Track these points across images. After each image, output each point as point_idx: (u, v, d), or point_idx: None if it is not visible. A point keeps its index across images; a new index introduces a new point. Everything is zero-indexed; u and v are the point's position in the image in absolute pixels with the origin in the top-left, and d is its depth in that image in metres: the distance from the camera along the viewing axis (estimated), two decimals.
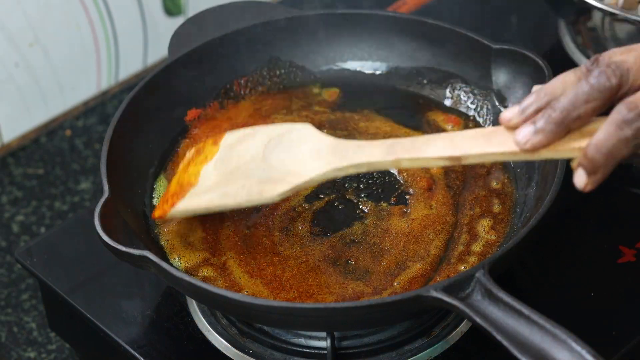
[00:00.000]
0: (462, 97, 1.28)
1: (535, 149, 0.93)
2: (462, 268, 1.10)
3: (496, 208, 1.17)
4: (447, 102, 1.29)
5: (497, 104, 1.25)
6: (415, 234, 1.14)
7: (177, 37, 1.28)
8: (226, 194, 1.07)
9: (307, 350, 1.11)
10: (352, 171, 1.02)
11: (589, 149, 0.91)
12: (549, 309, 0.97)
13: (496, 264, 1.01)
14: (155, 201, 1.19)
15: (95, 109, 1.61)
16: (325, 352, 1.10)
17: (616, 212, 1.26)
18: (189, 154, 1.15)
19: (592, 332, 1.03)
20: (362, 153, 1.01)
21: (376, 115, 1.28)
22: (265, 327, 1.13)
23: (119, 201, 1.10)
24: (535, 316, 0.94)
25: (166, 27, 1.62)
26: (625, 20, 1.32)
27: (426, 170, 1.21)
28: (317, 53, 1.32)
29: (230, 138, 1.11)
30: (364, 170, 1.01)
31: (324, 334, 1.10)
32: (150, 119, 1.22)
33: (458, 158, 0.96)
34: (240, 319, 1.13)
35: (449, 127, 1.26)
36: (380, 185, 1.20)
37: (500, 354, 0.95)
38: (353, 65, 1.33)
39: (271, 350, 1.12)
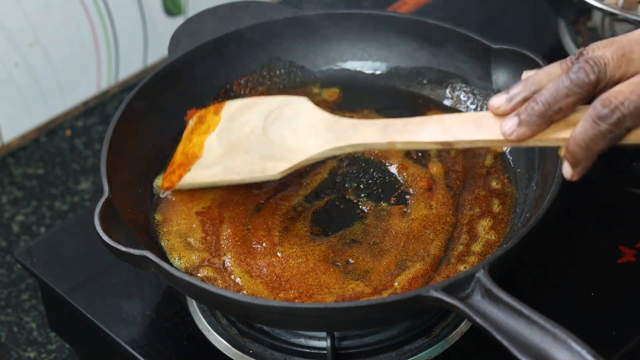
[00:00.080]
0: (462, 97, 1.28)
1: (519, 140, 0.98)
2: (462, 268, 1.10)
3: (496, 208, 1.17)
4: (447, 102, 1.29)
5: None
6: (415, 234, 1.14)
7: (177, 37, 1.28)
8: (230, 170, 1.12)
9: (307, 350, 1.11)
10: (349, 150, 1.07)
11: (569, 142, 0.96)
12: (549, 309, 0.97)
13: (496, 264, 1.01)
14: (155, 201, 1.19)
15: (95, 109, 1.61)
16: (325, 352, 1.10)
17: (616, 212, 1.26)
18: (192, 122, 1.20)
19: (592, 332, 1.03)
20: (359, 133, 1.05)
21: (376, 115, 1.28)
22: (265, 327, 1.13)
23: (119, 201, 1.10)
24: (535, 316, 0.94)
25: (166, 27, 1.62)
26: (625, 20, 1.32)
27: (426, 170, 1.21)
28: (317, 53, 1.32)
29: (231, 108, 1.16)
30: (360, 149, 1.07)
31: (324, 334, 1.10)
32: (150, 119, 1.22)
33: (449, 143, 1.01)
34: (240, 319, 1.13)
35: None
36: (380, 185, 1.20)
37: (500, 354, 0.95)
38: (353, 65, 1.33)
39: (271, 350, 1.12)
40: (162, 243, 1.15)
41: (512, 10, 1.55)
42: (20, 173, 1.52)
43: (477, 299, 0.98)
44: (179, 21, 1.58)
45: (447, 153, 1.23)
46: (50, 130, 1.58)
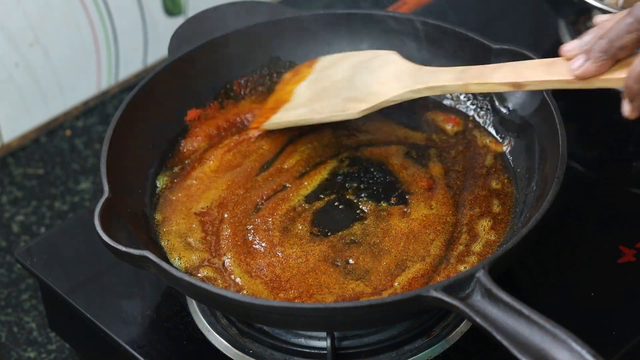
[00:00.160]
0: (461, 97, 1.28)
1: (586, 76, 1.03)
2: (462, 268, 1.10)
3: (496, 208, 1.17)
4: (447, 102, 1.29)
5: (497, 104, 1.25)
6: (415, 234, 1.14)
7: (177, 37, 1.28)
8: (314, 110, 1.18)
9: (307, 350, 1.11)
10: (426, 93, 1.12)
11: (626, 78, 1.01)
12: (549, 309, 0.97)
13: (496, 264, 1.01)
14: (155, 201, 1.19)
15: (95, 109, 1.61)
16: (325, 352, 1.10)
17: (616, 212, 1.26)
18: (287, 75, 1.27)
19: (592, 332, 1.03)
20: (436, 77, 1.12)
21: (376, 115, 1.28)
22: (265, 327, 1.13)
23: (119, 201, 1.10)
24: (535, 316, 0.94)
25: (166, 27, 1.62)
26: None
27: (426, 170, 1.21)
28: (317, 53, 1.32)
29: (324, 62, 1.24)
30: (437, 92, 1.12)
31: (324, 334, 1.10)
32: (150, 119, 1.22)
33: (519, 84, 1.07)
34: (240, 319, 1.13)
35: (448, 126, 1.26)
36: (380, 185, 1.20)
37: (500, 354, 0.95)
38: None
39: (271, 350, 1.12)
40: (162, 243, 1.15)
41: (512, 10, 1.55)
42: (20, 173, 1.52)
43: (477, 299, 0.98)
44: (179, 21, 1.58)
45: (447, 153, 1.23)
46: (50, 130, 1.58)
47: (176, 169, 1.23)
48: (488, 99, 1.26)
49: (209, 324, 1.15)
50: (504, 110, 1.25)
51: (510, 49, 1.22)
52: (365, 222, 1.16)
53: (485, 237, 1.14)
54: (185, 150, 1.25)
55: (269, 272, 1.11)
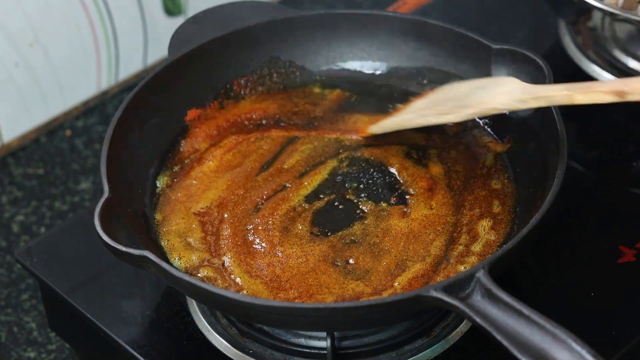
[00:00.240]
0: None
1: None
2: (462, 268, 1.10)
3: (496, 208, 1.17)
4: None
5: None
6: (415, 234, 1.14)
7: (177, 37, 1.28)
8: (421, 114, 1.20)
9: (307, 350, 1.11)
10: (532, 104, 1.12)
11: None
12: (549, 309, 0.97)
13: (496, 264, 1.01)
14: (155, 201, 1.19)
15: (95, 109, 1.61)
16: (325, 352, 1.10)
17: (616, 212, 1.26)
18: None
19: (592, 332, 1.03)
20: (544, 89, 1.12)
21: (376, 115, 1.28)
22: (265, 327, 1.13)
23: (119, 201, 1.10)
24: (535, 316, 0.94)
25: (166, 27, 1.62)
26: (625, 20, 1.32)
27: (426, 170, 1.21)
28: (317, 53, 1.32)
29: (450, 86, 1.23)
30: (542, 103, 1.11)
31: (324, 334, 1.10)
32: (150, 119, 1.22)
33: (623, 93, 1.07)
34: (240, 319, 1.13)
35: (448, 126, 1.26)
36: (380, 185, 1.20)
37: (500, 354, 0.95)
38: (353, 65, 1.33)
39: (271, 350, 1.12)
40: (162, 243, 1.15)
41: (512, 10, 1.55)
42: (20, 173, 1.52)
43: (477, 299, 0.98)
44: (179, 21, 1.58)
45: (447, 153, 1.23)
46: (50, 130, 1.58)
47: (176, 169, 1.23)
48: None
49: (209, 324, 1.15)
50: None
51: (510, 49, 1.22)
52: (365, 222, 1.16)
53: (485, 237, 1.14)
54: (185, 150, 1.25)
55: (269, 272, 1.11)
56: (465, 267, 1.10)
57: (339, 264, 1.12)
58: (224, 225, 1.16)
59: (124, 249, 1.04)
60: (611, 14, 1.31)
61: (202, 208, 1.18)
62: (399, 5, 1.55)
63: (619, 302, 1.16)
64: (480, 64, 1.26)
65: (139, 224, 1.14)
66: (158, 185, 1.21)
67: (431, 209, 1.17)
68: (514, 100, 1.13)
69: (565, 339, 0.92)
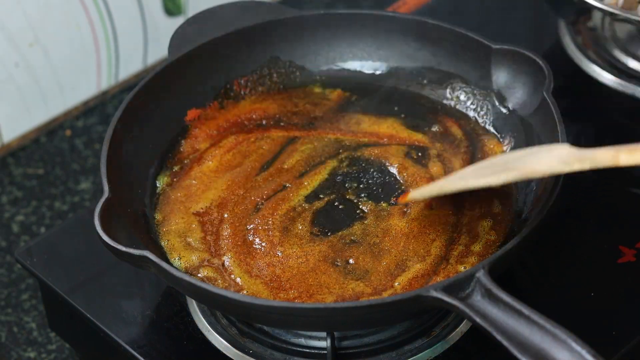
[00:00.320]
0: (462, 97, 1.28)
1: None
2: (462, 268, 1.10)
3: (496, 208, 1.17)
4: (447, 103, 1.29)
5: (497, 104, 1.25)
6: (415, 234, 1.14)
7: (177, 37, 1.28)
8: (461, 178, 1.12)
9: (307, 350, 1.11)
10: (576, 166, 1.04)
11: None
12: (549, 309, 0.97)
13: (496, 264, 1.01)
14: (155, 200, 1.19)
15: (95, 109, 1.61)
16: (325, 352, 1.10)
17: (616, 212, 1.26)
18: None
19: (592, 332, 1.03)
20: (590, 151, 1.04)
21: (376, 116, 1.28)
22: (265, 327, 1.13)
23: (119, 201, 1.10)
24: (535, 316, 0.94)
25: (166, 27, 1.62)
26: (625, 20, 1.32)
27: (426, 170, 1.21)
28: (317, 53, 1.32)
29: (498, 155, 1.17)
30: (587, 165, 1.03)
31: (324, 334, 1.10)
32: (150, 119, 1.22)
33: None
34: (240, 319, 1.13)
35: (449, 127, 1.26)
36: (380, 185, 1.20)
37: (500, 354, 0.95)
38: (353, 65, 1.33)
39: (271, 350, 1.12)
40: (162, 243, 1.15)
41: (512, 10, 1.55)
42: (20, 173, 1.52)
43: (477, 299, 0.98)
44: (179, 21, 1.58)
45: (447, 153, 1.23)
46: (50, 130, 1.58)
47: (176, 169, 1.23)
48: (488, 99, 1.26)
49: (209, 324, 1.15)
50: (504, 110, 1.25)
51: (510, 49, 1.22)
52: (365, 222, 1.16)
53: (485, 237, 1.14)
54: (185, 150, 1.25)
55: (269, 272, 1.11)
56: (465, 267, 1.10)
57: (339, 264, 1.12)
58: (224, 225, 1.16)
59: (124, 249, 1.04)
60: (611, 14, 1.32)
61: (202, 208, 1.18)
62: (399, 5, 1.55)
63: (619, 302, 1.16)
64: (480, 64, 1.26)
65: (139, 224, 1.14)
66: (158, 185, 1.21)
67: (431, 209, 1.17)
68: (558, 162, 1.05)
69: (565, 339, 0.92)
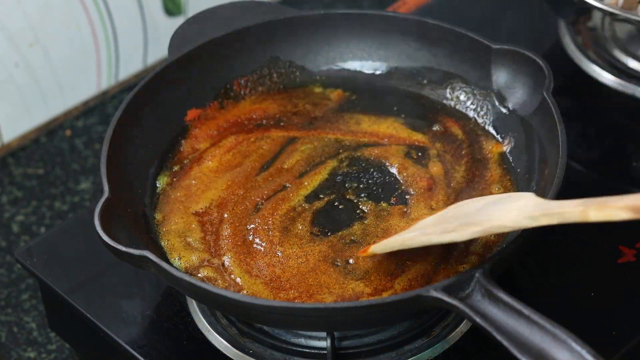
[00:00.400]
0: (461, 97, 1.28)
1: None
2: (462, 268, 1.10)
3: None
4: (447, 103, 1.29)
5: (497, 104, 1.25)
6: None
7: (177, 37, 1.28)
8: (424, 232, 1.07)
9: (307, 350, 1.11)
10: (544, 221, 1.00)
11: None
12: (549, 309, 0.97)
13: (496, 264, 1.01)
14: (155, 200, 1.19)
15: (95, 109, 1.61)
16: (325, 352, 1.10)
17: None
18: None
19: (592, 332, 1.03)
20: (558, 205, 1.01)
21: (376, 116, 1.28)
22: (265, 327, 1.13)
23: (119, 201, 1.10)
24: (535, 316, 0.94)
25: (166, 27, 1.62)
26: (625, 20, 1.32)
27: (426, 170, 1.21)
28: (317, 53, 1.32)
29: (462, 203, 1.12)
30: (555, 220, 1.00)
31: (324, 334, 1.10)
32: (150, 119, 1.22)
33: None
34: (240, 319, 1.13)
35: (449, 127, 1.26)
36: (380, 185, 1.20)
37: (500, 354, 0.95)
38: (353, 65, 1.33)
39: (271, 350, 1.12)
40: (162, 243, 1.15)
41: (512, 10, 1.55)
42: (20, 173, 1.52)
43: (477, 299, 0.98)
44: (179, 21, 1.58)
45: (447, 153, 1.23)
46: (50, 130, 1.58)
47: (176, 169, 1.23)
48: (488, 99, 1.26)
49: (209, 324, 1.15)
50: (504, 110, 1.25)
51: (510, 49, 1.22)
52: (365, 222, 1.16)
53: (485, 237, 1.14)
54: (185, 150, 1.25)
55: (269, 272, 1.11)
56: (465, 267, 1.10)
57: (339, 264, 1.12)
58: (224, 225, 1.16)
59: (124, 249, 1.04)
60: (611, 14, 1.32)
61: (202, 208, 1.18)
62: (399, 5, 1.55)
63: (619, 302, 1.16)
64: (480, 64, 1.26)
65: (139, 224, 1.14)
66: (158, 185, 1.21)
67: (431, 209, 1.17)
68: (524, 217, 1.00)
69: (565, 339, 0.92)
